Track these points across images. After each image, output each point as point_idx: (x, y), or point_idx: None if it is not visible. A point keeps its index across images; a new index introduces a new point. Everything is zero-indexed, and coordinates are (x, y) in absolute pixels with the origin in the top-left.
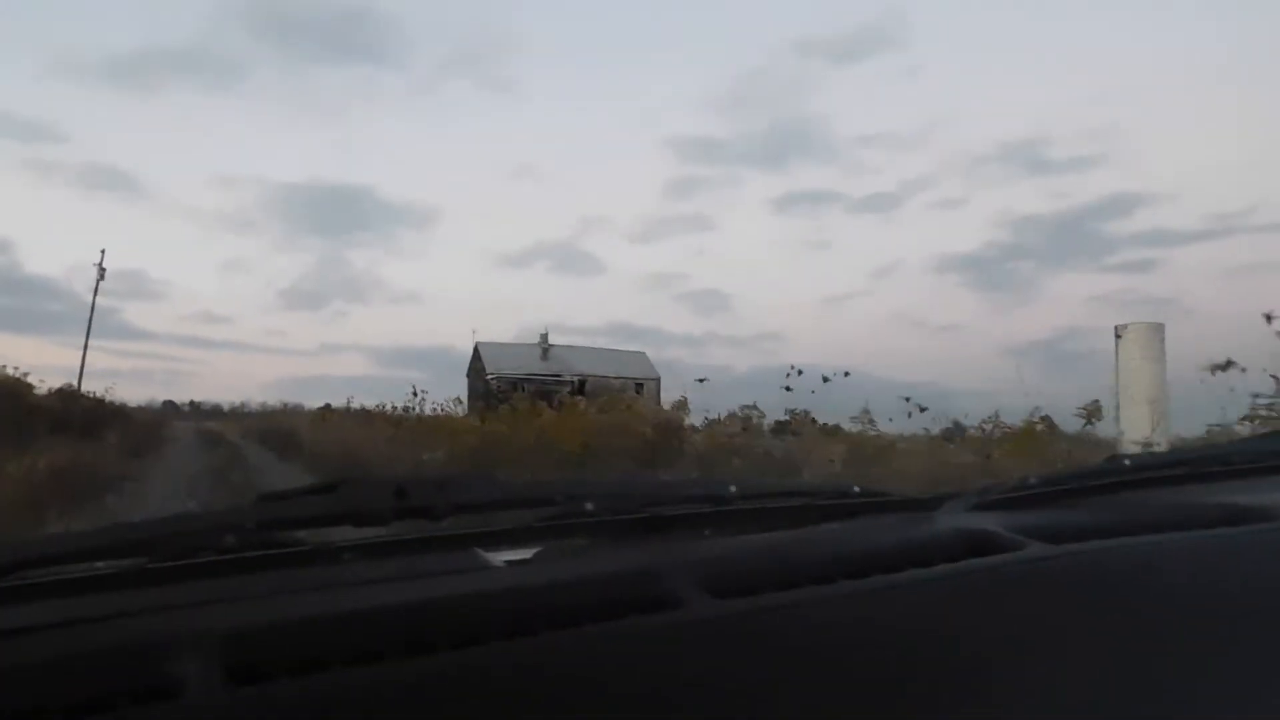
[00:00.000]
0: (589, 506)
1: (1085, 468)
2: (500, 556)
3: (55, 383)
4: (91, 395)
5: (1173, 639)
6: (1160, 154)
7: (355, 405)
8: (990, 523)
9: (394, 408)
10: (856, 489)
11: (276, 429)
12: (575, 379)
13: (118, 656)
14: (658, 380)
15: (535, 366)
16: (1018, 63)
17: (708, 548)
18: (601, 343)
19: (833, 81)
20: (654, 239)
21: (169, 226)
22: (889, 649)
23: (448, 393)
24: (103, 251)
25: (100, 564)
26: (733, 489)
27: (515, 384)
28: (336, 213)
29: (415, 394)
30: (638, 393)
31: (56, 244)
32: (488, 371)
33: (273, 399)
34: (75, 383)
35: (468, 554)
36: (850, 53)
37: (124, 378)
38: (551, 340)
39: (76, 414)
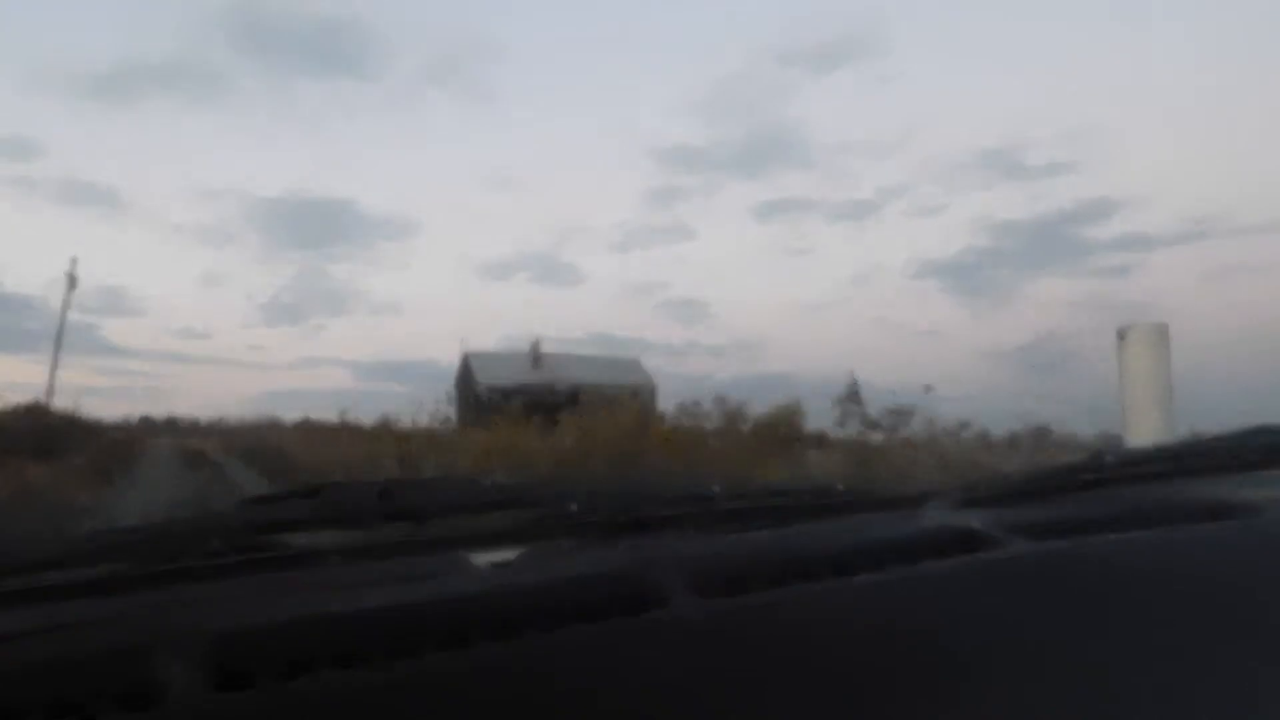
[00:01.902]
0: (573, 508)
1: (1070, 464)
2: (485, 558)
3: (30, 401)
4: (64, 412)
5: (1158, 634)
6: (1137, 158)
7: (348, 418)
8: (975, 520)
9: (394, 420)
10: (841, 487)
11: (263, 446)
12: (570, 387)
13: (103, 661)
14: (654, 388)
15: (527, 375)
16: (995, 69)
17: (693, 547)
18: (583, 352)
19: (811, 89)
20: (634, 248)
21: (149, 242)
22: (875, 647)
23: (427, 405)
24: (73, 260)
25: (86, 569)
26: (717, 488)
27: (507, 394)
28: (317, 225)
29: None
30: (633, 401)
31: (34, 261)
32: (478, 381)
33: (251, 413)
34: (44, 399)
35: (452, 556)
36: (829, 60)
37: (103, 394)
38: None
39: (39, 432)
